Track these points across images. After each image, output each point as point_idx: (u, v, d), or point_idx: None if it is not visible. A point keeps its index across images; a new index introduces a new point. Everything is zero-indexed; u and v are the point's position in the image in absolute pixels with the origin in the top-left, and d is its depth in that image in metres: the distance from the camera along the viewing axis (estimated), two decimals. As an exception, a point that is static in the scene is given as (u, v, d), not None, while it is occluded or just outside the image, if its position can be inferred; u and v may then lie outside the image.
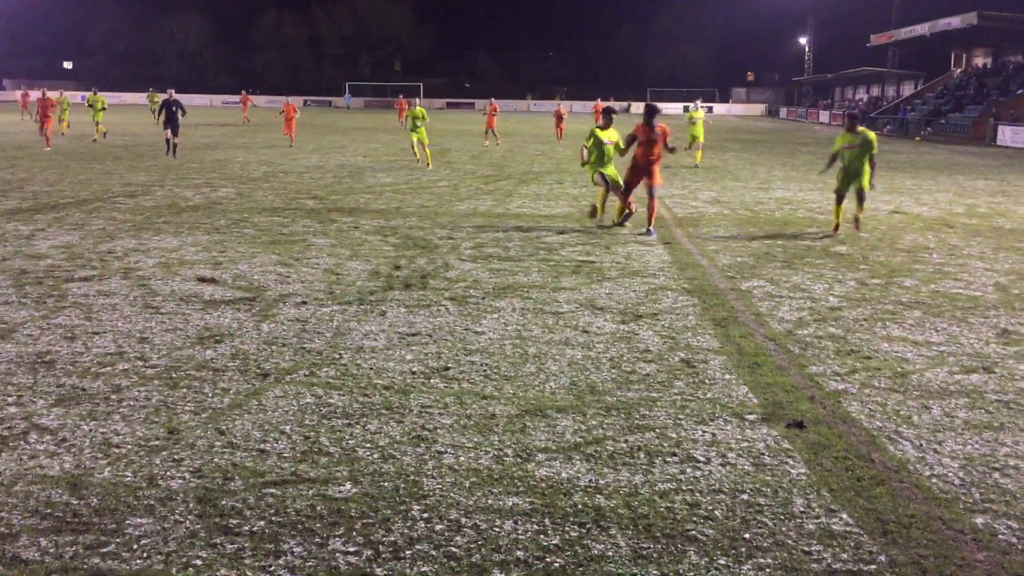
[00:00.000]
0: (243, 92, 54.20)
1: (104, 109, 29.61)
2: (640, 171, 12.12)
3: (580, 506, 4.01)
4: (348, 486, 4.18)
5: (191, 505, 3.96)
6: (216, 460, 4.45)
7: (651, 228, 12.00)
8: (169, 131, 22.69)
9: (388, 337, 6.80)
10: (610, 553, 3.61)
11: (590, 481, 4.28)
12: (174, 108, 22.55)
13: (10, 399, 5.29)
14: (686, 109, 50.44)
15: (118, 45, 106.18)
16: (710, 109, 77.16)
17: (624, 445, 4.74)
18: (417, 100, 25.67)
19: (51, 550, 3.55)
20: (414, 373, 5.94)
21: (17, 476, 4.23)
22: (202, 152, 25.61)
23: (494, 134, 31.86)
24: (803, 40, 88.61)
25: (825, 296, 8.52)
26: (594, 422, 5.07)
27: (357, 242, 11.01)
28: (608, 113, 12.71)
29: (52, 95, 27.98)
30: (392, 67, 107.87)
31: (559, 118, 34.22)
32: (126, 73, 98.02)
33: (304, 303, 7.82)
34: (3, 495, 4.03)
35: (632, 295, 8.38)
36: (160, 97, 35.87)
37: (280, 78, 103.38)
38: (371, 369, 6.00)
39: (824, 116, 68.67)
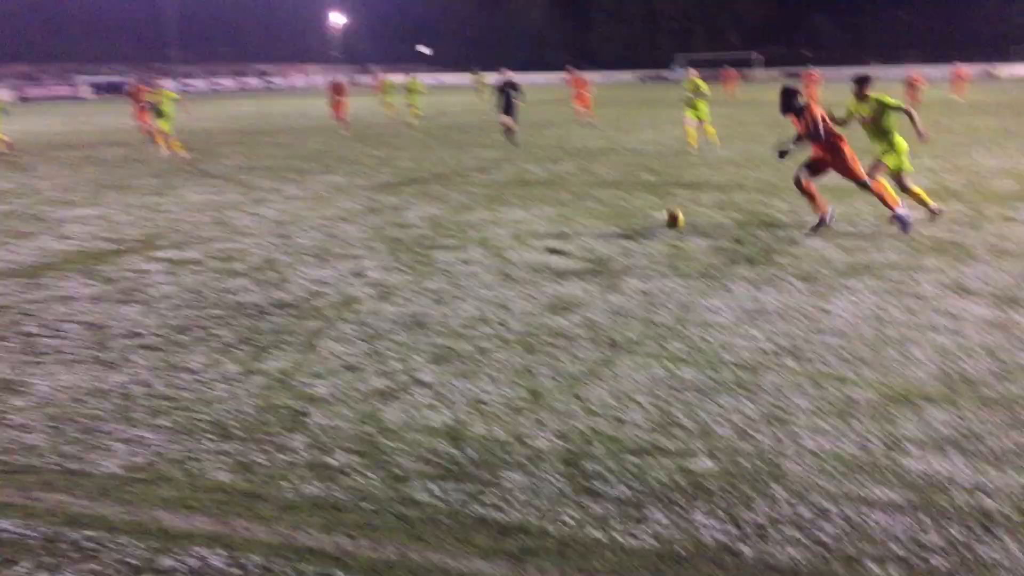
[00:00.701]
0: (568, 68, 55.13)
1: (421, 93, 30.31)
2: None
3: (962, 505, 3.71)
4: (707, 461, 4.20)
5: (557, 464, 4.19)
6: (576, 424, 4.66)
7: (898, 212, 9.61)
8: (508, 118, 20.95)
9: (734, 313, 6.71)
10: (1005, 562, 3.31)
11: (970, 479, 3.94)
12: (510, 91, 20.73)
13: (393, 355, 5.90)
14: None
15: (467, 28, 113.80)
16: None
17: (1009, 443, 4.31)
18: (691, 70, 20.69)
19: (439, 495, 3.92)
20: (763, 351, 5.81)
21: (404, 425, 4.72)
22: (543, 128, 26.73)
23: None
24: None
25: None
26: (970, 415, 4.65)
27: (697, 216, 10.95)
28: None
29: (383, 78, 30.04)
30: (727, 38, 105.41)
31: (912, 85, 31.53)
32: (474, 54, 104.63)
33: (648, 276, 7.92)
34: (396, 441, 4.51)
35: (1007, 278, 7.56)
36: (490, 78, 37.37)
37: (615, 54, 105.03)
38: (719, 345, 5.96)
39: None
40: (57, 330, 6.59)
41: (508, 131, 21.00)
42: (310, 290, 7.69)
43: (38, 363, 5.85)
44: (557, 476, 4.08)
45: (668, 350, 5.87)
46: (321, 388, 5.29)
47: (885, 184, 9.67)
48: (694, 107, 18.73)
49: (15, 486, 4.07)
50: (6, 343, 6.28)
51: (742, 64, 73.12)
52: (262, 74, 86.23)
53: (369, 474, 4.14)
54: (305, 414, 4.89)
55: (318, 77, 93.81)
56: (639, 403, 4.94)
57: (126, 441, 4.57)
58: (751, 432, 4.52)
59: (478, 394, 5.14)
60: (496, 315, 6.80)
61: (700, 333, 6.23)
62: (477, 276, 8.08)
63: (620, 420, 4.71)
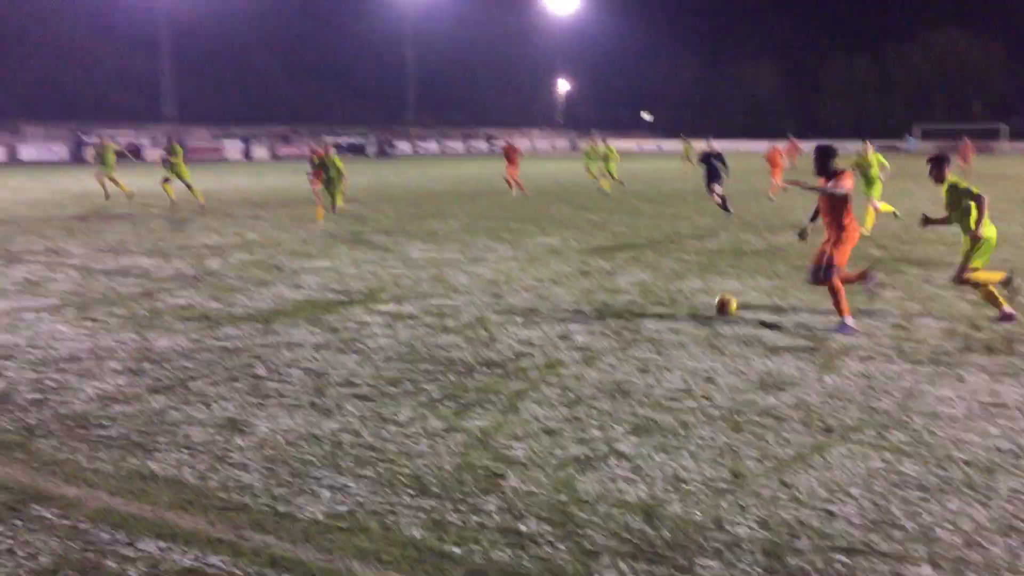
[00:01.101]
0: (789, 137, 52.99)
1: (615, 160, 29.30)
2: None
3: None
4: (927, 568, 3.81)
5: (758, 556, 3.94)
6: (781, 513, 4.38)
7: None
8: (716, 187, 19.94)
9: (967, 405, 6.14)
10: None
11: None
12: (715, 162, 19.95)
13: (594, 423, 5.82)
14: None
15: (691, 95, 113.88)
16: None
17: None
18: (870, 144, 17.84)
19: (628, 575, 3.78)
20: (1001, 450, 5.25)
21: (599, 497, 4.62)
22: (761, 197, 26.05)
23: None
24: None
25: None
26: None
27: (928, 296, 10.20)
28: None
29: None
30: (970, 107, 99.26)
31: None
32: (695, 121, 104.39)
33: (870, 357, 7.43)
34: (589, 512, 4.42)
35: None
36: (698, 147, 36.42)
37: (845, 122, 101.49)
38: (948, 439, 5.45)
39: None
40: (282, 374, 7.03)
41: (719, 200, 20.13)
42: (517, 350, 7.79)
43: (262, 405, 6.25)
44: (757, 569, 3.83)
45: (889, 440, 5.44)
46: (519, 451, 5.30)
47: None
48: (870, 184, 16.61)
49: (229, 523, 4.32)
50: (236, 383, 6.76)
51: (988, 135, 68.41)
52: (489, 138, 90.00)
53: (559, 545, 4.06)
54: (501, 476, 4.90)
55: (541, 142, 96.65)
56: (853, 496, 4.58)
57: (331, 488, 4.76)
58: (981, 541, 4.07)
59: (678, 471, 4.96)
60: (702, 388, 6.58)
61: (926, 424, 5.73)
62: (685, 347, 7.88)
63: (830, 513, 4.38)
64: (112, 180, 24.06)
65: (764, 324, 8.78)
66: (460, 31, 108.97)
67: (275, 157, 68.51)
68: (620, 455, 5.22)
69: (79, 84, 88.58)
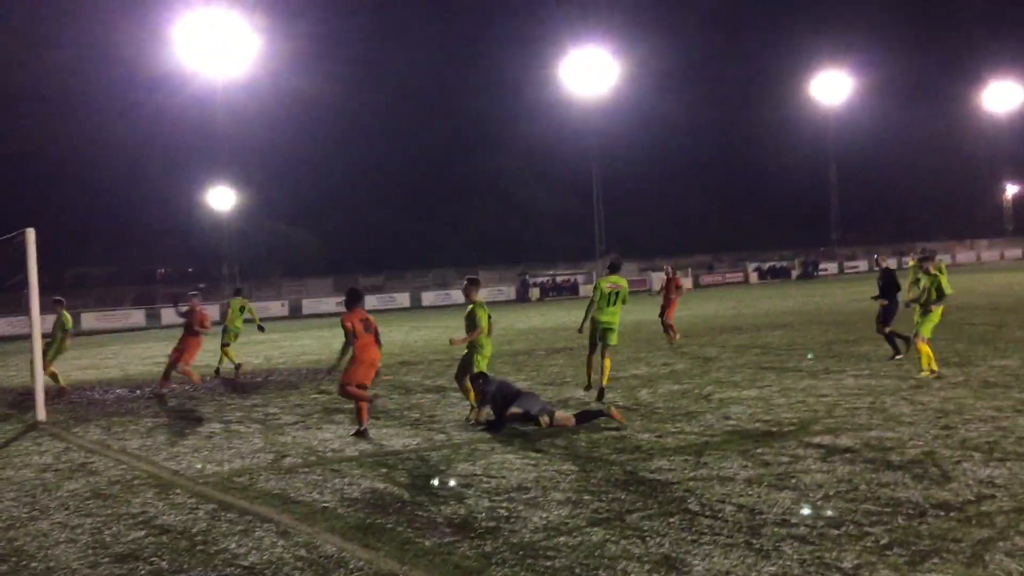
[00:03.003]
0: None
1: None
2: None
3: None
4: None
5: None
6: None
7: None
8: None
9: None
10: None
11: None
12: None
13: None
14: None
15: None
16: None
17: None
18: None
19: None
20: None
21: None
22: None
23: None
24: None
25: None
26: None
27: None
28: None
29: None
30: None
31: None
32: None
33: None
34: None
35: None
36: None
37: None
38: None
39: None
40: (715, 510, 6.92)
41: None
42: (977, 492, 6.91)
43: (696, 542, 6.17)
44: None
45: None
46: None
47: None
48: None
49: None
50: (670, 519, 6.77)
51: None
52: (921, 251, 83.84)
53: None
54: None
55: (988, 252, 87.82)
56: None
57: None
58: None
59: None
60: None
61: None
62: None
63: None
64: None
65: None
66: (886, 139, 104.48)
67: (698, 286, 69.83)
68: None
69: (522, 230, 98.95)
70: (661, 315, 21.50)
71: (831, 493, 7.18)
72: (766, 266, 77.33)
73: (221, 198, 71.93)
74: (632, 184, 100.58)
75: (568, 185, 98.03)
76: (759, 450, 8.97)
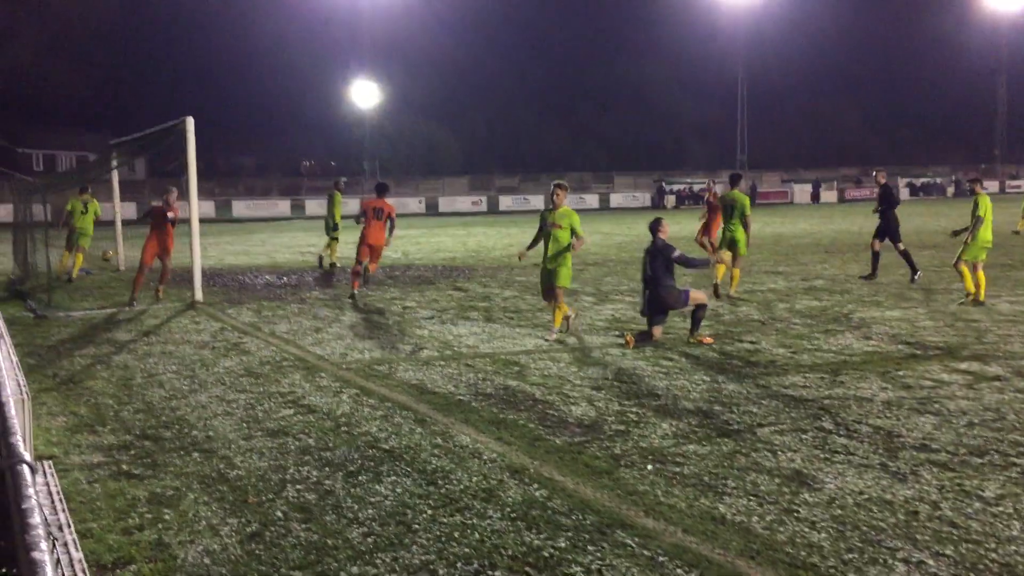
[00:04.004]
0: None
1: None
2: None
3: None
4: None
5: None
6: None
7: None
8: None
9: None
10: None
11: None
12: None
13: None
14: None
15: None
16: None
17: None
18: None
19: None
20: None
21: None
22: None
23: None
24: None
25: None
26: None
27: None
28: None
29: None
30: None
31: None
32: None
33: None
34: None
35: None
36: None
37: None
38: None
39: None
40: (851, 430, 6.79)
41: None
42: None
43: (829, 460, 6.10)
44: None
45: None
46: None
47: None
48: None
49: (796, 579, 4.28)
50: (803, 435, 6.70)
51: None
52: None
53: None
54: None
55: None
56: None
57: (906, 562, 4.45)
58: None
59: None
60: None
61: None
62: None
63: None
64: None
65: None
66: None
67: (843, 200, 67.00)
68: None
69: (661, 136, 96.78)
70: (705, 233, 19.20)
71: (976, 421, 6.93)
72: (919, 182, 73.26)
73: (365, 94, 73.07)
74: (779, 93, 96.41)
75: (711, 92, 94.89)
76: (900, 372, 8.70)
